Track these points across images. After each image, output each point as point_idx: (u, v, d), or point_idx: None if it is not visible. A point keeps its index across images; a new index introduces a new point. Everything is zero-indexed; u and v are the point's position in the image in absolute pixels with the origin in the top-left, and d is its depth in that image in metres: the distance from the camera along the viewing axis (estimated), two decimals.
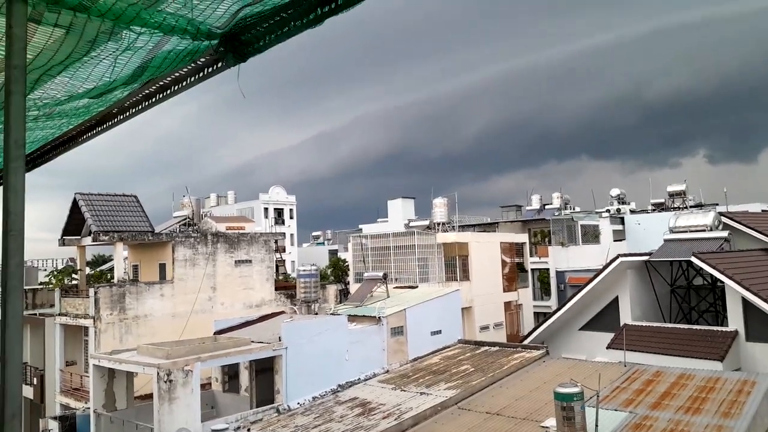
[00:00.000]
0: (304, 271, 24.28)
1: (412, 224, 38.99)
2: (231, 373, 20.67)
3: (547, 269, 37.82)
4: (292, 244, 61.88)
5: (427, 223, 36.35)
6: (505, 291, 33.08)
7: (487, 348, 20.42)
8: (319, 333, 19.32)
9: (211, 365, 18.57)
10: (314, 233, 73.50)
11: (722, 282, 18.67)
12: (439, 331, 22.75)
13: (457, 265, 31.46)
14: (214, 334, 20.40)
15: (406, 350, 21.56)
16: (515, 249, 35.50)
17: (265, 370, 18.94)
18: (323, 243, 68.95)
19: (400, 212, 52.36)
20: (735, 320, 18.50)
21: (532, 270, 37.57)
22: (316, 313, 23.18)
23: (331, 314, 23.10)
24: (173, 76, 2.61)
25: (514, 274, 34.54)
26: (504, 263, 33.61)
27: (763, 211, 35.86)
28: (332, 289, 31.30)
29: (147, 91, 2.77)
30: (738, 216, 23.16)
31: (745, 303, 18.04)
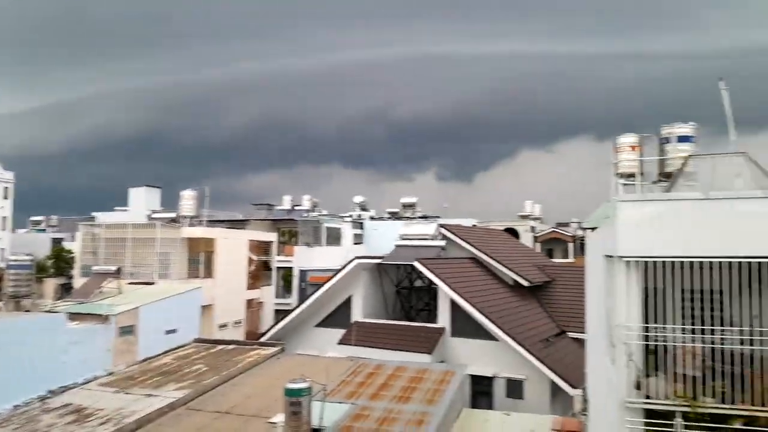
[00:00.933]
0: (14, 261, 21.05)
1: (155, 216, 36.59)
2: None
3: (292, 268, 38.90)
4: (3, 229, 52.99)
5: (173, 215, 34.50)
6: (249, 289, 33.08)
7: (223, 346, 20.18)
8: (28, 333, 16.94)
9: None
10: (34, 218, 64.03)
11: (436, 284, 21.42)
12: (175, 330, 21.79)
13: (201, 261, 30.49)
14: None
15: (136, 350, 20.17)
16: (263, 247, 35.79)
17: None
18: (44, 230, 60.44)
19: (143, 202, 48.68)
20: (443, 318, 21.37)
21: (278, 268, 38.26)
22: (28, 310, 20.27)
23: (47, 311, 20.43)
24: None
25: (260, 272, 34.77)
26: (251, 261, 33.62)
27: (473, 225, 42.12)
28: (51, 284, 27.67)
29: None
30: (453, 228, 26.79)
31: (453, 303, 20.98)
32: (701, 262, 6.72)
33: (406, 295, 25.54)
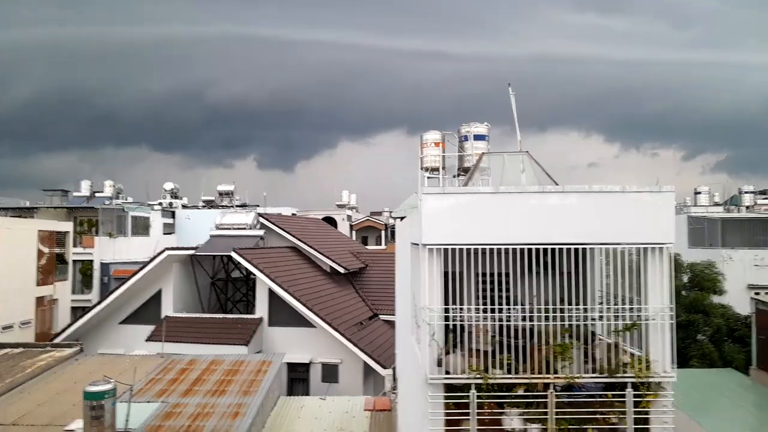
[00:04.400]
0: None
1: None
2: None
3: (92, 261, 35.48)
4: None
5: None
6: (39, 285, 29.43)
7: (8, 350, 17.82)
8: None
9: None
10: None
11: (255, 275, 21.13)
12: None
13: None
14: None
15: None
16: (56, 238, 32.02)
17: None
18: None
19: None
20: (261, 308, 21.19)
21: (74, 261, 34.57)
22: None
23: None
24: None
25: (53, 266, 31.09)
26: (41, 254, 29.89)
27: (293, 214, 42.20)
28: None
29: None
30: (273, 217, 26.60)
31: (271, 293, 20.88)
32: (492, 249, 7.55)
33: (222, 287, 24.80)
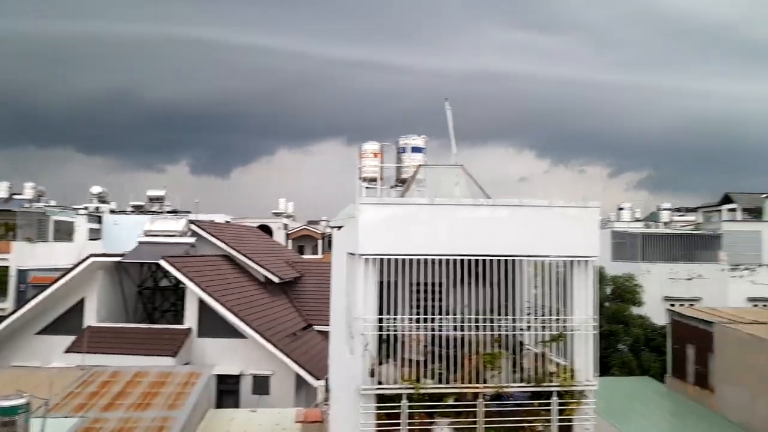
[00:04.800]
0: None
1: None
2: None
3: (8, 267, 33.44)
4: None
5: None
6: None
7: None
8: None
9: None
10: None
11: (184, 284, 20.50)
12: None
13: None
14: None
15: None
16: None
17: None
18: None
19: None
20: (191, 319, 20.55)
21: None
22: None
23: None
24: None
25: None
26: None
27: (227, 221, 41.28)
28: None
29: None
30: (205, 225, 25.91)
31: (201, 303, 20.31)
32: (426, 259, 7.66)
33: (149, 296, 23.90)
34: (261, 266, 24.21)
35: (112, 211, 44.23)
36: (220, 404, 19.05)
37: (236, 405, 19.15)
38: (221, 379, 19.48)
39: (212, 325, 20.24)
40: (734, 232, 28.91)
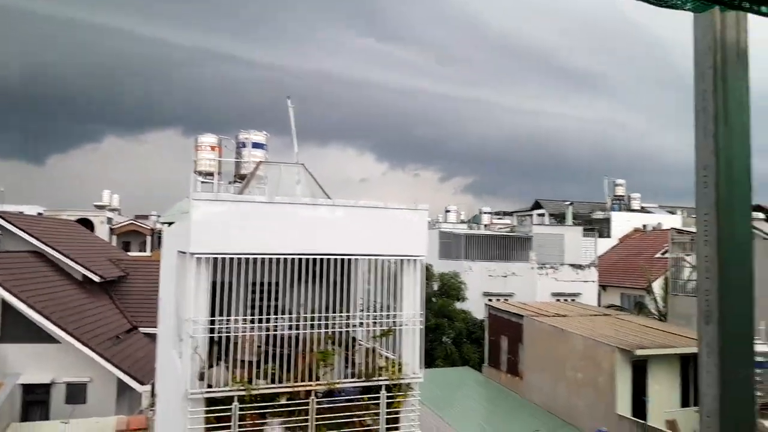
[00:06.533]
0: None
1: None
2: None
3: None
4: None
5: None
6: None
7: None
8: None
9: None
10: None
11: None
12: None
13: None
14: None
15: None
16: None
17: None
18: None
19: None
20: None
21: None
22: None
23: None
24: None
25: None
26: None
27: (39, 213, 36.96)
28: None
29: None
30: (11, 217, 22.96)
31: (5, 304, 17.99)
32: (263, 259, 7.57)
33: None
34: (79, 264, 22.07)
35: None
36: (26, 417, 17.12)
37: (46, 417, 17.30)
38: (28, 389, 17.49)
39: (18, 328, 18.02)
40: (542, 235, 32.41)
